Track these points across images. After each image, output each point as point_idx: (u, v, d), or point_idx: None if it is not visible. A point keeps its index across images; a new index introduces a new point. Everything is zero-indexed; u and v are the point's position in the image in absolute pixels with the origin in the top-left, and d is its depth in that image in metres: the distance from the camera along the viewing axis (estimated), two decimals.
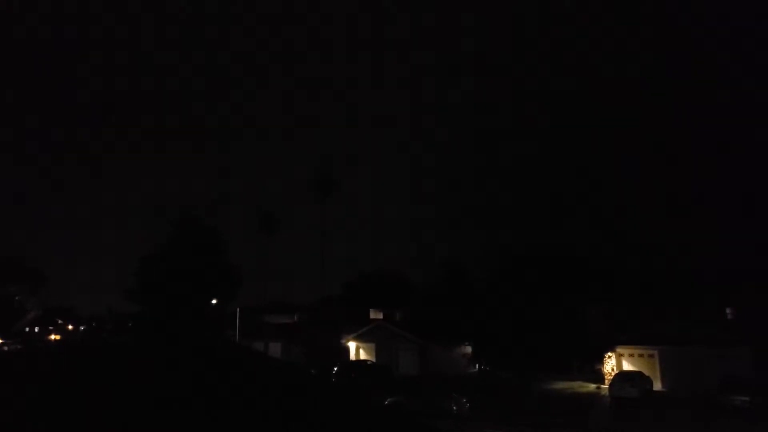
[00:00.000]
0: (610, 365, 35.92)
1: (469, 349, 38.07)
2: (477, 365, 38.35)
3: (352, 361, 44.73)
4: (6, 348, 54.84)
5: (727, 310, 38.62)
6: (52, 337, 78.82)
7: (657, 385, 33.32)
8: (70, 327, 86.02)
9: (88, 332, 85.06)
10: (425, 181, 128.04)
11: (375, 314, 53.35)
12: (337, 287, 64.99)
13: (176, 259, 40.98)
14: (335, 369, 37.30)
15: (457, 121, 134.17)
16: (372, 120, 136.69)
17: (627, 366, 35.29)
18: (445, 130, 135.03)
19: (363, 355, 46.13)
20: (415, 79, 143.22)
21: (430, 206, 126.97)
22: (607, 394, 31.41)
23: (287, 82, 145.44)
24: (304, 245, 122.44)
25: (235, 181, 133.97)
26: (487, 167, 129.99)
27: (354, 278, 65.01)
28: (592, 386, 35.12)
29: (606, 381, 34.54)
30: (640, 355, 35.13)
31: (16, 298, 68.67)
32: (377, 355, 44.85)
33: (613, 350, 35.65)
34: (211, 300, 45.67)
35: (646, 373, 33.25)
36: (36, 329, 79.24)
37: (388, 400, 25.42)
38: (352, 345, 46.96)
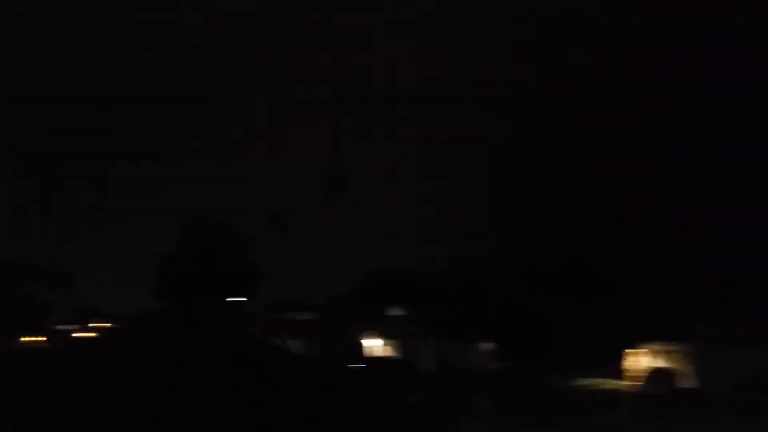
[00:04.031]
0: (638, 362, 35.17)
1: (489, 345, 37.70)
2: (498, 362, 38.07)
3: (371, 357, 44.69)
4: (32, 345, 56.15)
5: (758, 308, 37.65)
6: (79, 335, 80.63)
7: (687, 383, 32.50)
8: (96, 325, 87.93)
9: (114, 330, 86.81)
10: (434, 180, 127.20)
11: (393, 311, 53.39)
12: (351, 285, 65.16)
13: (194, 255, 41.57)
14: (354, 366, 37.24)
15: (463, 122, 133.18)
16: (382, 119, 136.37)
17: (656, 363, 34.52)
18: (450, 133, 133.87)
19: (382, 352, 46.06)
20: (422, 81, 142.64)
21: (441, 204, 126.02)
22: (636, 391, 30.62)
23: (296, 84, 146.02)
24: (320, 245, 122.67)
25: (247, 183, 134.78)
26: (498, 166, 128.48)
27: (368, 275, 65.35)
28: (620, 383, 34.47)
29: (635, 378, 33.86)
30: (670, 352, 34.33)
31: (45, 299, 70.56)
32: (396, 352, 44.78)
33: (641, 346, 34.89)
34: (232, 296, 46.08)
35: (677, 369, 32.47)
36: (64, 327, 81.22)
37: (409, 396, 25.20)
38: (370, 342, 46.90)
